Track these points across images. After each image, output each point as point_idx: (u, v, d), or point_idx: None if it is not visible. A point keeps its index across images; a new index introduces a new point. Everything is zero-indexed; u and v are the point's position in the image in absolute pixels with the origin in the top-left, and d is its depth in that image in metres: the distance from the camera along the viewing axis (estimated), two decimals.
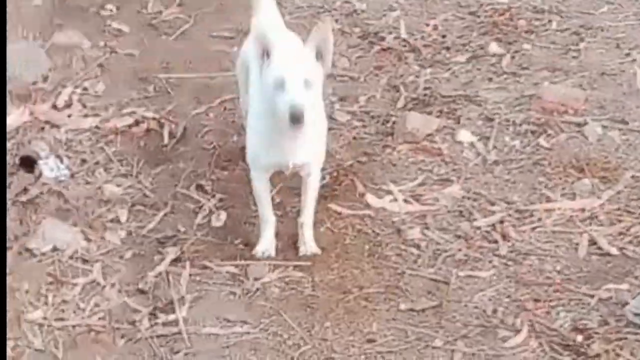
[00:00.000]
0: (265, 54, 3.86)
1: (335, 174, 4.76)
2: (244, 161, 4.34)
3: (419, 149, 4.93)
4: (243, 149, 4.52)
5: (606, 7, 6.04)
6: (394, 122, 5.09)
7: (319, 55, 3.87)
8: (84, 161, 4.83)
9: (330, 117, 5.11)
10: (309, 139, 4.04)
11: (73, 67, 5.52)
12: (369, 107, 5.26)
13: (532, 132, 4.96)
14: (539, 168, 4.74)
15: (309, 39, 3.88)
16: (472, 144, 4.94)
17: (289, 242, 4.37)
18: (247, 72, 4.33)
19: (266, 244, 4.30)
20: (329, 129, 4.80)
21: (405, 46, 5.78)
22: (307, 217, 4.30)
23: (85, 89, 5.35)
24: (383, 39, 5.84)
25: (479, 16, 6.03)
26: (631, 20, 5.89)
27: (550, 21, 5.92)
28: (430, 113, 5.14)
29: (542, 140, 4.90)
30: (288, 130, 3.83)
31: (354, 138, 5.03)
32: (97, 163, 4.83)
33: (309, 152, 4.10)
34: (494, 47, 5.68)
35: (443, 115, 5.13)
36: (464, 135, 4.99)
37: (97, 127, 5.06)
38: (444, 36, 5.85)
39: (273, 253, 4.30)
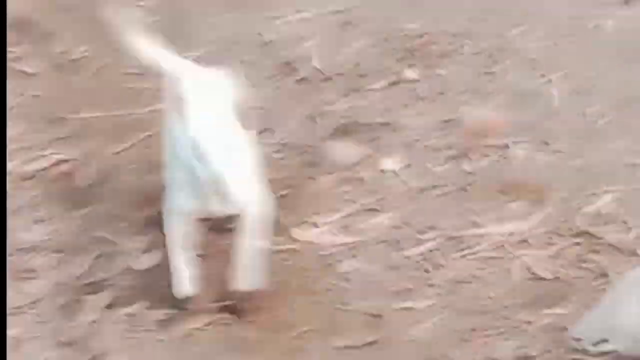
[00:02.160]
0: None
1: None
2: None
3: (342, 179, 4.85)
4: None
5: (519, 29, 6.03)
6: (314, 153, 5.01)
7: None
8: None
9: None
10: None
11: None
12: (288, 139, 5.17)
13: (455, 158, 4.91)
14: (464, 194, 4.69)
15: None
16: (395, 172, 4.87)
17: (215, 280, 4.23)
18: None
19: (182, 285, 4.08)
20: None
21: (319, 76, 5.69)
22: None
23: None
24: (296, 69, 5.74)
25: (392, 43, 5.97)
26: (544, 41, 5.88)
27: (462, 45, 5.88)
28: (350, 142, 5.06)
29: (465, 165, 4.85)
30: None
31: (275, 171, 4.92)
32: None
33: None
34: (409, 73, 5.63)
35: (364, 144, 5.06)
36: (387, 164, 4.92)
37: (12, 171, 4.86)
38: (357, 64, 5.78)
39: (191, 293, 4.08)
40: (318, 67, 5.78)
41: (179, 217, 3.97)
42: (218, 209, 3.89)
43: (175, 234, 4.01)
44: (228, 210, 3.93)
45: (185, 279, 4.05)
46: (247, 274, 4.04)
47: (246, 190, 3.92)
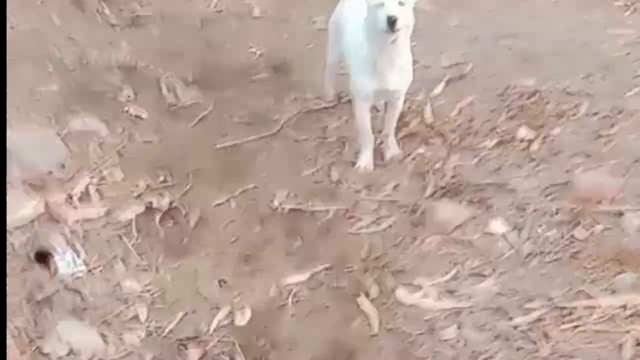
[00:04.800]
0: None
1: (363, 267, 4.56)
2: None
3: (450, 240, 4.73)
4: (266, 241, 4.61)
5: (635, 90, 5.87)
6: (422, 212, 4.90)
7: None
8: (101, 255, 4.64)
9: (355, 206, 4.97)
10: (402, 67, 5.01)
11: (90, 155, 5.34)
12: (396, 196, 5.08)
13: (567, 223, 4.75)
14: (576, 262, 4.52)
15: None
16: (504, 235, 4.74)
17: None
18: (337, 29, 5.45)
19: (366, 160, 5.26)
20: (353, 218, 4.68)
21: (430, 131, 5.60)
22: (391, 129, 5.35)
23: (102, 177, 5.17)
24: (408, 123, 5.66)
25: (505, 99, 5.86)
26: None
27: (579, 105, 5.73)
28: (460, 202, 4.95)
29: (577, 232, 4.68)
30: (385, 40, 4.81)
31: (383, 229, 4.84)
32: (115, 257, 4.63)
33: (402, 79, 5.05)
34: (522, 132, 5.49)
35: (473, 205, 4.93)
36: (496, 226, 4.79)
37: (115, 218, 4.87)
38: (470, 120, 5.68)
39: (372, 168, 5.25)
40: (429, 121, 5.69)
41: (364, 99, 5.15)
42: (393, 86, 5.05)
43: (364, 114, 5.22)
44: (400, 86, 5.10)
45: (371, 155, 5.29)
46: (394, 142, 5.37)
47: (408, 74, 5.11)
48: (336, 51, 5.55)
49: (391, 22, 4.69)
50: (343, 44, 5.36)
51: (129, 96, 5.99)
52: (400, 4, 4.76)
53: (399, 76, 5.06)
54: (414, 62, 6.18)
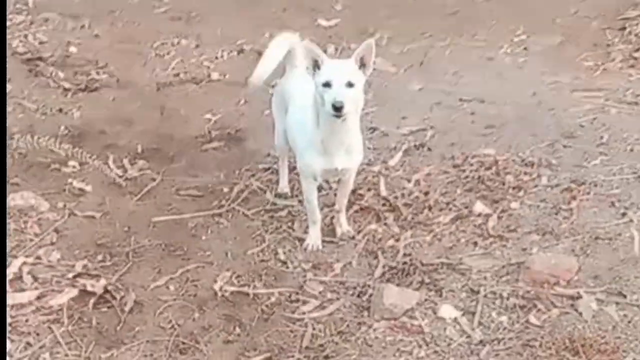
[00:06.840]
0: (316, 65, 4.61)
1: (305, 357, 4.32)
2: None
3: (398, 327, 4.48)
4: (203, 328, 4.41)
5: (599, 159, 5.68)
6: (370, 295, 4.66)
7: (362, 64, 4.60)
8: (28, 345, 4.38)
9: (300, 288, 4.74)
10: (351, 146, 4.80)
11: (27, 233, 5.11)
12: (344, 277, 4.84)
13: (521, 307, 4.51)
14: (529, 350, 4.27)
15: (356, 50, 4.61)
16: (455, 320, 4.49)
17: None
18: (284, 104, 5.18)
19: (314, 238, 5.04)
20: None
21: (384, 205, 5.38)
22: (342, 205, 5.12)
23: (38, 258, 4.93)
24: (361, 196, 5.44)
25: (463, 170, 5.65)
26: (626, 174, 5.51)
27: (539, 176, 5.53)
28: (409, 284, 4.71)
29: (532, 317, 4.44)
30: (331, 122, 4.62)
31: (329, 314, 4.59)
32: (42, 347, 4.37)
33: (351, 158, 4.85)
34: (479, 206, 5.28)
35: (424, 287, 4.69)
36: (447, 311, 4.55)
37: (46, 303, 4.62)
38: (426, 193, 5.46)
39: (320, 246, 5.02)
40: (384, 195, 5.47)
41: (312, 178, 4.94)
42: (342, 166, 4.85)
43: (311, 192, 5.01)
44: (350, 166, 4.90)
45: (319, 232, 5.08)
46: (345, 221, 5.18)
47: (361, 148, 4.92)
48: (282, 127, 5.28)
49: (337, 108, 4.51)
50: (287, 119, 5.13)
51: (74, 168, 5.76)
52: (349, 84, 4.57)
53: (348, 156, 4.84)
54: (373, 129, 6.10)
